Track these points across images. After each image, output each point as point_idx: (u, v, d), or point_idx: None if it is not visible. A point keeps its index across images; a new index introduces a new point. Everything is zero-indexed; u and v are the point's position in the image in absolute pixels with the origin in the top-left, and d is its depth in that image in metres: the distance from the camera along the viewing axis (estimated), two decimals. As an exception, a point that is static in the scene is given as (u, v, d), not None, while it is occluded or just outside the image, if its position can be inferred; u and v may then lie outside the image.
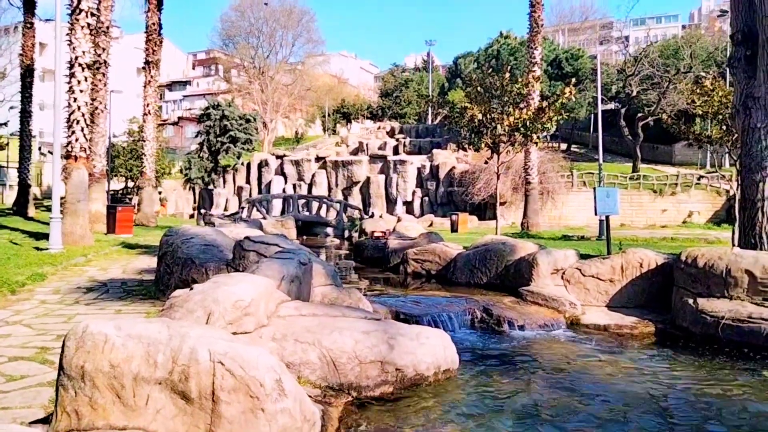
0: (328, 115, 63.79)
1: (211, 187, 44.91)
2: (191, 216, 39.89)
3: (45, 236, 14.31)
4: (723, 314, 6.65)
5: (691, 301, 7.12)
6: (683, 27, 73.10)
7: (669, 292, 7.78)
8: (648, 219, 33.89)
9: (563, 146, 47.92)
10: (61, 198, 13.84)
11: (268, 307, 4.82)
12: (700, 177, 35.68)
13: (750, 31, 9.41)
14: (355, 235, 21.56)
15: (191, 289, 4.57)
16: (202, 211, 27.20)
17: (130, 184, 42.16)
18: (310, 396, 3.88)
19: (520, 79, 19.34)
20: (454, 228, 26.37)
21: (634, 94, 40.53)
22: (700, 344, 6.68)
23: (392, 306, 7.62)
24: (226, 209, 42.41)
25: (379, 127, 51.34)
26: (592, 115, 44.60)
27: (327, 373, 4.53)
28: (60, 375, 3.11)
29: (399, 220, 24.87)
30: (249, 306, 4.39)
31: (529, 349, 6.58)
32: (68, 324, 6.23)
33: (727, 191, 32.15)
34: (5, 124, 33.33)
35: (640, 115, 40.44)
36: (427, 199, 39.06)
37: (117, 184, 43.28)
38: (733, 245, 12.75)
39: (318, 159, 43.81)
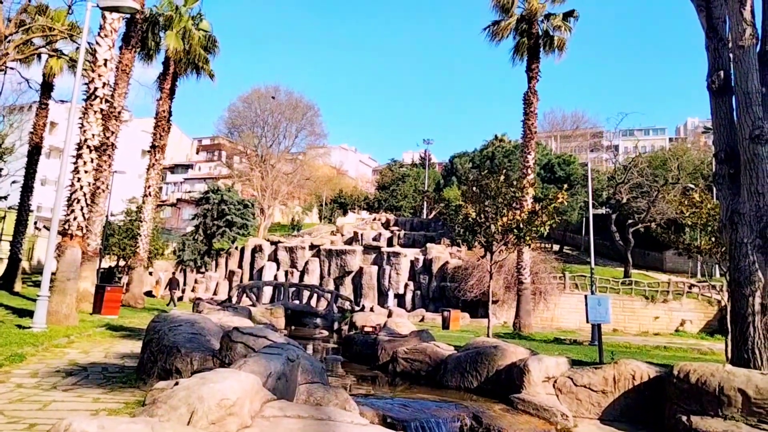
0: (326, 204, 64.80)
1: (201, 269, 44.59)
2: (180, 299, 39.31)
3: (29, 313, 14.05)
4: (718, 434, 6.48)
5: (684, 418, 6.96)
6: (670, 140, 76.58)
7: (662, 406, 7.61)
8: (640, 325, 33.62)
9: (556, 247, 48.44)
10: (51, 274, 13.70)
11: (253, 407, 4.69)
12: (692, 285, 35.83)
13: (732, 150, 9.80)
14: (345, 328, 21.25)
15: (176, 383, 4.47)
16: (199, 299, 27.04)
17: (122, 262, 41.91)
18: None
19: (515, 183, 19.90)
20: (445, 324, 26.01)
21: (624, 200, 41.58)
22: (696, 466, 6.45)
23: (379, 408, 7.38)
24: (215, 293, 41.94)
25: (374, 219, 51.96)
26: (584, 219, 45.50)
27: (308, 481, 4.34)
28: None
29: (390, 314, 24.63)
30: (234, 405, 4.29)
31: (520, 463, 6.33)
32: (43, 411, 6.01)
33: (719, 301, 32.16)
34: (5, 197, 33.72)
35: (630, 221, 41.27)
36: (419, 292, 38.80)
37: (109, 262, 42.99)
38: (727, 358, 12.59)
39: (312, 247, 43.93)
